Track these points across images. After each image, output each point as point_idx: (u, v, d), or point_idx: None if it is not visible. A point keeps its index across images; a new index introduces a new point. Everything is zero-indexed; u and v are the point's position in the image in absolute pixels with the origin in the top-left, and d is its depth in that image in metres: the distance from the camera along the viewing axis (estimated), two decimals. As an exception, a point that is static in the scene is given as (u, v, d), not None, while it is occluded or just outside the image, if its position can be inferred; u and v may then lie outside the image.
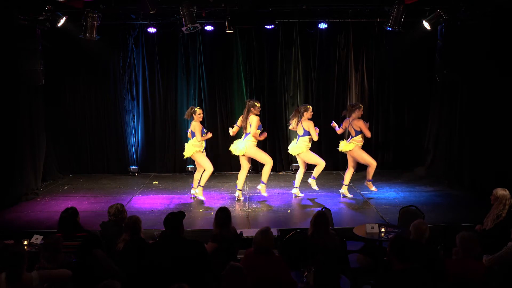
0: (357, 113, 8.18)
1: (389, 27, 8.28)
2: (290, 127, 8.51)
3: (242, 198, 8.44)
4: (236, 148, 8.23)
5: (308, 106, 8.31)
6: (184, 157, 8.62)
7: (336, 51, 10.36)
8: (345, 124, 8.37)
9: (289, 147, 8.59)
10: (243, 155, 8.22)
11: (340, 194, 8.53)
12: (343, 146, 8.37)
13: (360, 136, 8.20)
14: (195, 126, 8.10)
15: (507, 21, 8.05)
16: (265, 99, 10.43)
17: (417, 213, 6.20)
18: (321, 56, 10.40)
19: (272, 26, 8.90)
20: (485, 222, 5.90)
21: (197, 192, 8.41)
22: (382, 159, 10.75)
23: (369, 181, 8.47)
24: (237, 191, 8.47)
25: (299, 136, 8.29)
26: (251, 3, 8.19)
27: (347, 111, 8.33)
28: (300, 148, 8.29)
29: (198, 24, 8.28)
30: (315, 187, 8.52)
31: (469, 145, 8.91)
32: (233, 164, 10.34)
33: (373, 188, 8.54)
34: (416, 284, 3.80)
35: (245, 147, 8.13)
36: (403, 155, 10.70)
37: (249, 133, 8.09)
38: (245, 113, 8.12)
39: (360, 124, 8.14)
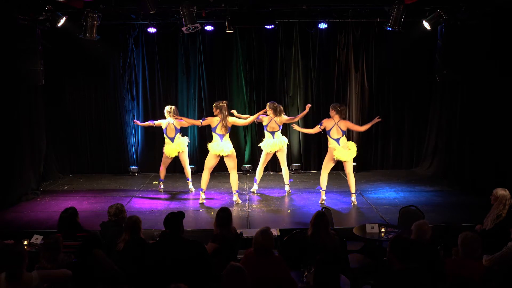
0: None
1: (389, 27, 8.27)
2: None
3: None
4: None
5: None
6: (176, 153, 8.83)
7: (336, 51, 10.36)
8: (328, 124, 7.88)
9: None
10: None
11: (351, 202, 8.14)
12: (352, 151, 7.94)
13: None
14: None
15: (507, 21, 8.06)
16: (265, 99, 10.42)
17: (417, 213, 6.20)
18: (321, 56, 10.40)
19: (272, 26, 8.89)
20: (485, 222, 5.90)
21: (191, 187, 9.07)
22: (382, 159, 10.77)
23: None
24: (235, 195, 8.24)
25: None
26: (251, 3, 8.19)
27: (338, 112, 7.83)
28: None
29: (198, 24, 8.27)
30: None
31: (469, 145, 8.91)
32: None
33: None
34: (416, 284, 3.79)
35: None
36: (403, 155, 10.71)
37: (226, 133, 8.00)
38: (225, 114, 7.89)
39: (349, 124, 7.98)
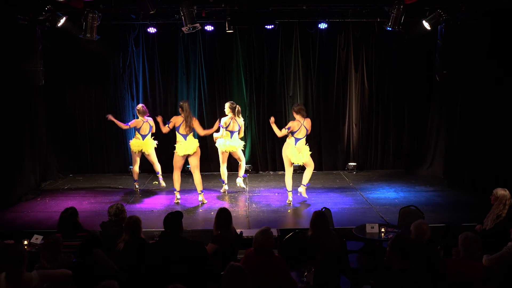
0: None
1: (389, 27, 8.27)
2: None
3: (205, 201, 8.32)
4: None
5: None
6: (139, 148, 8.99)
7: (336, 51, 10.35)
8: (295, 125, 7.87)
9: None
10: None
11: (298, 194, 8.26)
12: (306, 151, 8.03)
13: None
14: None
15: (507, 21, 8.06)
16: (265, 99, 10.43)
17: (417, 213, 6.21)
18: (321, 56, 10.39)
19: (272, 26, 8.90)
20: (485, 222, 5.91)
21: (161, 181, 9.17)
22: (382, 159, 10.76)
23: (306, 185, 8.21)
24: (201, 195, 8.32)
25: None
26: (251, 3, 8.19)
27: (300, 112, 7.91)
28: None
29: (198, 24, 8.27)
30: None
31: (469, 145, 8.91)
32: (232, 164, 10.35)
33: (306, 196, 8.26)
34: (416, 284, 3.79)
35: None
36: (403, 155, 10.71)
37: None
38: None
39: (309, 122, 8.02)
